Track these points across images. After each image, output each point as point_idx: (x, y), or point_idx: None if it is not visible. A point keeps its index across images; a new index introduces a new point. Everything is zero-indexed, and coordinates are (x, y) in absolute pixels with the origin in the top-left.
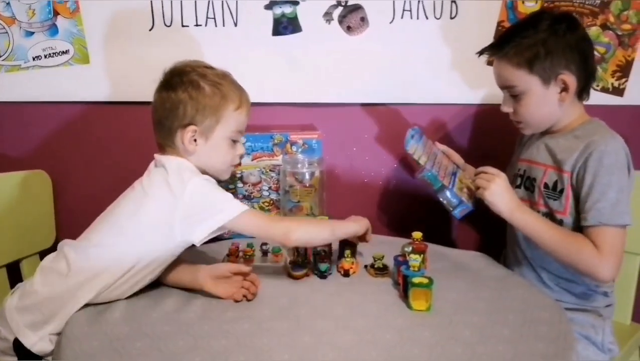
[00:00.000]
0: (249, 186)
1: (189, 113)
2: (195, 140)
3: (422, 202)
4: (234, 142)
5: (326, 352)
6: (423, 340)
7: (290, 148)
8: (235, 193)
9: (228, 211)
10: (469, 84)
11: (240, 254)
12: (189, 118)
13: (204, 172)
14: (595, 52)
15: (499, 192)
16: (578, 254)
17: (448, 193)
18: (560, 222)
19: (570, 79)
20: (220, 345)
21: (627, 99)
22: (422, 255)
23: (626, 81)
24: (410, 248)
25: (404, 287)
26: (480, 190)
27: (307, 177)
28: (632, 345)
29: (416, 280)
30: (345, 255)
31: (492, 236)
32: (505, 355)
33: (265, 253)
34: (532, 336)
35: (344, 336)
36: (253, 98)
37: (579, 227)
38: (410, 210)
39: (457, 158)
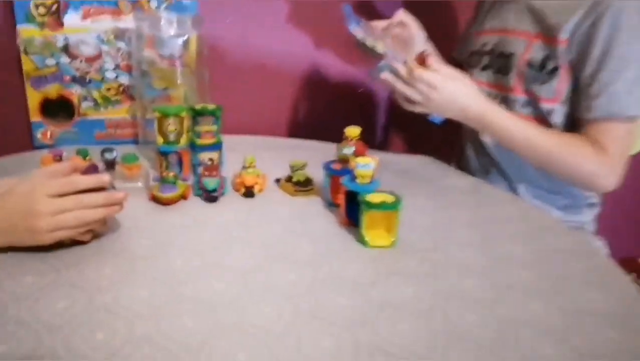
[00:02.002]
0: (80, 62)
1: None
2: None
3: (344, 95)
4: None
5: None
6: (401, 305)
7: (147, 2)
8: (57, 74)
9: None
10: None
11: None
12: None
13: None
14: None
15: (444, 103)
16: (575, 159)
17: None
18: (547, 113)
19: None
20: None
21: None
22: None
23: None
24: (352, 150)
25: (349, 211)
26: (417, 107)
27: (177, 48)
28: None
29: (373, 197)
30: (246, 164)
31: (431, 137)
32: (549, 314)
33: (110, 164)
34: (568, 280)
35: (254, 319)
36: None
37: (570, 120)
38: (329, 104)
39: (416, 32)
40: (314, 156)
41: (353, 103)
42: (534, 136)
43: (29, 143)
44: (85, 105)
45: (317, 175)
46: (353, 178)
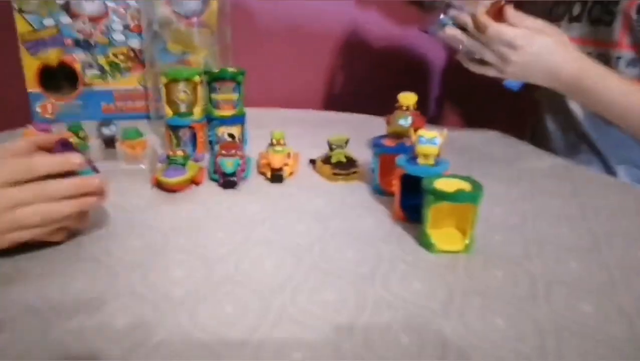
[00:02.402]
0: (83, 22)
1: None
2: None
3: (389, 61)
4: None
5: None
6: (489, 335)
7: None
8: (57, 37)
9: None
10: None
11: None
12: None
13: None
14: None
15: (527, 66)
16: None
17: None
18: None
19: None
20: None
21: None
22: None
23: None
24: (409, 120)
25: (405, 202)
26: (490, 70)
27: (195, 5)
28: None
29: (444, 184)
30: (274, 140)
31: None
32: None
33: (109, 141)
34: None
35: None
36: None
37: None
38: (371, 72)
39: None
40: (358, 131)
41: (400, 71)
42: None
43: (27, 118)
44: (89, 73)
45: (362, 154)
46: (412, 158)
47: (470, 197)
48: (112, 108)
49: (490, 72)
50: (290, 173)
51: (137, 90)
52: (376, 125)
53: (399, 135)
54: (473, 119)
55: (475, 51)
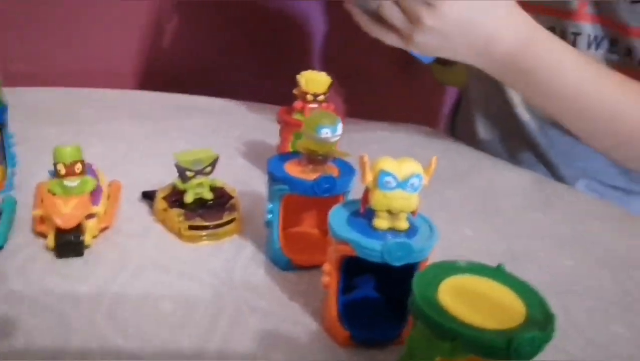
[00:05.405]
0: None
1: None
2: None
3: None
4: None
5: None
6: None
7: None
8: None
9: None
10: None
11: None
12: None
13: None
14: None
15: (447, 34)
16: None
17: None
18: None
19: None
20: None
21: None
22: None
23: None
24: (338, 129)
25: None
26: (393, 37)
27: None
28: None
29: (472, 301)
30: (62, 165)
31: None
32: None
33: None
34: None
35: None
36: None
37: None
38: (233, 39)
39: None
40: (223, 131)
41: (265, 42)
42: (614, 95)
43: None
44: None
45: (240, 179)
46: (360, 215)
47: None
48: None
49: (391, 40)
50: (102, 230)
51: None
52: (265, 121)
53: (316, 156)
54: (362, 108)
55: (373, 4)
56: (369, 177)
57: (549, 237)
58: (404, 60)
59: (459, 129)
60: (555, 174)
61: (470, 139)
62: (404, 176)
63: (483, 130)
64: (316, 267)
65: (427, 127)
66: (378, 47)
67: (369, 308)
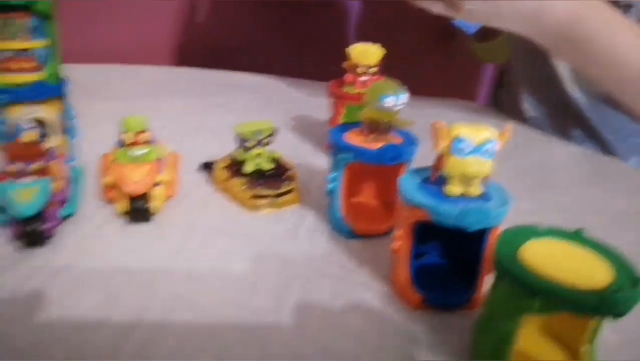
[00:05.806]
0: None
1: None
2: None
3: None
4: None
5: None
6: None
7: None
8: None
9: None
10: None
11: None
12: None
13: None
14: None
15: (493, 4)
16: None
17: None
18: None
19: None
20: None
21: None
22: None
23: None
24: (401, 98)
25: (417, 274)
26: (437, 4)
27: None
28: None
29: (552, 258)
30: (127, 135)
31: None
32: None
33: None
34: None
35: None
36: None
37: None
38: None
39: None
40: (278, 106)
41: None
42: None
43: None
44: None
45: (299, 153)
46: (432, 182)
47: (627, 302)
48: None
49: (438, 9)
50: (164, 200)
51: None
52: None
53: (379, 125)
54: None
55: None
56: (443, 143)
57: (606, 211)
58: (440, 36)
59: (504, 105)
60: (607, 150)
61: (517, 115)
62: (479, 142)
63: (529, 106)
64: (376, 235)
65: (472, 102)
66: (413, 22)
67: (438, 273)
